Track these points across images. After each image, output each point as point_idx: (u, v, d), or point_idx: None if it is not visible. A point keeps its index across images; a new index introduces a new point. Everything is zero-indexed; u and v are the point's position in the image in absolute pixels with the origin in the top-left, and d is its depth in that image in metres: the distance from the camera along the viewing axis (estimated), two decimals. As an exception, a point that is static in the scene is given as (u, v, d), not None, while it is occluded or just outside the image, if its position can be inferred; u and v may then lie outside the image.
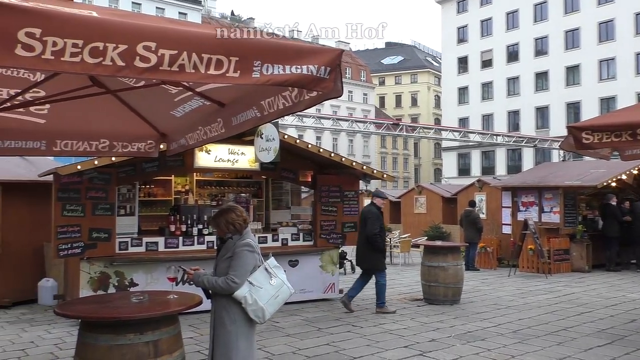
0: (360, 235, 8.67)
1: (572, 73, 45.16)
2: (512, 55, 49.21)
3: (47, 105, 4.09)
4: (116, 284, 7.74)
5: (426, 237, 17.83)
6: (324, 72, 2.55)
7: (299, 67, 2.49)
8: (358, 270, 13.79)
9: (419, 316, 8.26)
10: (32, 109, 4.09)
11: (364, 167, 9.90)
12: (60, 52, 2.00)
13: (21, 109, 3.94)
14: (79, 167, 7.16)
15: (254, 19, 69.40)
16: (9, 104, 3.62)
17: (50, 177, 7.76)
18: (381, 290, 8.52)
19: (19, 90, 3.58)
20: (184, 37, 2.26)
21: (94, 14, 2.15)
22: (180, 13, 51.38)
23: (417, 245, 15.44)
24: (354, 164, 9.66)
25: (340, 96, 2.65)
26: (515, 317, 8.17)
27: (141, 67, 2.17)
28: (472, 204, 14.73)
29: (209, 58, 2.29)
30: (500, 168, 47.88)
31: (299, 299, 8.78)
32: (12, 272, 8.88)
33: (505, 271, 13.38)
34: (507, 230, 14.89)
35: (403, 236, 17.07)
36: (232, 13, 73.36)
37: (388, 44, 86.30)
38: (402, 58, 78.57)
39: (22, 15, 1.92)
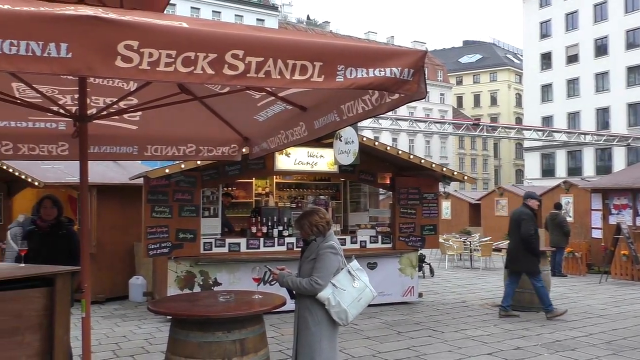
0: (512, 237, 8.54)
1: (669, 66, 42.12)
2: (601, 49, 46.54)
3: (139, 112, 4.31)
4: (201, 283, 8.03)
5: (508, 241, 17.18)
6: (407, 74, 2.51)
7: (382, 69, 2.47)
8: (437, 274, 13.62)
9: (502, 323, 7.98)
10: (125, 116, 4.32)
11: (444, 169, 9.71)
12: (155, 63, 2.10)
13: (116, 117, 4.17)
14: (167, 170, 7.51)
15: (329, 22, 70.00)
16: (105, 112, 3.84)
17: (139, 180, 8.18)
18: (544, 294, 8.27)
19: (115, 99, 3.80)
20: (270, 44, 2.30)
21: (185, 24, 2.23)
22: (258, 19, 52.66)
23: (498, 249, 14.91)
24: (433, 165, 9.50)
25: (423, 98, 2.61)
26: (608, 327, 7.70)
27: (229, 75, 2.23)
28: (558, 206, 14.06)
29: (294, 64, 2.31)
30: (588, 169, 45.36)
31: (377, 301, 8.70)
32: (106, 270, 9.43)
33: (595, 278, 12.66)
34: (597, 234, 14.08)
35: (483, 239, 16.57)
36: (308, 17, 74.36)
37: (466, 42, 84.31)
38: (481, 56, 76.42)
39: (122, 28, 2.03)
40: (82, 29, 1.97)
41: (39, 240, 5.05)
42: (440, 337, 7.13)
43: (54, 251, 4.95)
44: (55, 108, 3.72)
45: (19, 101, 3.55)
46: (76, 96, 3.74)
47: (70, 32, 1.96)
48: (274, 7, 56.21)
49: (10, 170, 9.28)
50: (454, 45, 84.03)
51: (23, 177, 9.20)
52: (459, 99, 74.49)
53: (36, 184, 9.06)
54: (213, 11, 50.55)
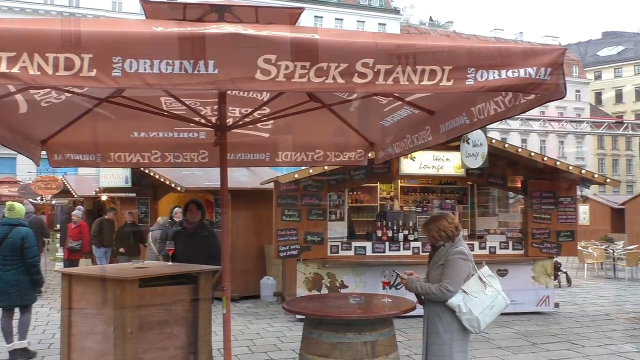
0: None
1: None
2: None
3: (271, 121, 4.54)
4: (328, 285, 8.23)
5: None
6: (544, 74, 2.42)
7: (515, 70, 2.40)
8: (575, 283, 12.70)
9: (653, 339, 7.27)
10: (258, 124, 4.57)
11: (583, 171, 9.06)
12: (291, 75, 2.21)
13: (250, 125, 4.42)
14: (296, 175, 7.82)
15: (452, 22, 68.25)
16: (241, 122, 4.09)
17: (269, 185, 8.58)
18: None
19: (248, 109, 4.03)
20: (398, 50, 2.32)
21: (317, 36, 2.32)
22: (379, 24, 52.71)
23: (647, 258, 13.60)
24: (570, 167, 8.91)
25: (563, 97, 2.48)
26: None
27: (359, 83, 2.29)
28: None
29: (423, 69, 2.32)
30: None
31: (508, 310, 8.18)
32: (239, 270, 9.98)
33: None
34: None
35: (629, 247, 15.16)
36: (430, 18, 73.01)
37: (605, 34, 77.85)
38: (623, 48, 70.03)
39: (261, 43, 2.16)
40: (226, 46, 2.13)
41: (185, 240, 5.49)
42: (580, 351, 6.65)
43: (197, 251, 5.35)
44: (197, 119, 4.04)
45: (167, 113, 3.90)
46: (215, 107, 4.03)
47: (216, 50, 2.13)
48: (395, 11, 55.95)
49: (157, 176, 10.19)
50: (591, 38, 77.94)
51: (167, 182, 10.05)
52: (597, 95, 68.89)
53: (178, 189, 9.85)
54: (336, 18, 51.43)
